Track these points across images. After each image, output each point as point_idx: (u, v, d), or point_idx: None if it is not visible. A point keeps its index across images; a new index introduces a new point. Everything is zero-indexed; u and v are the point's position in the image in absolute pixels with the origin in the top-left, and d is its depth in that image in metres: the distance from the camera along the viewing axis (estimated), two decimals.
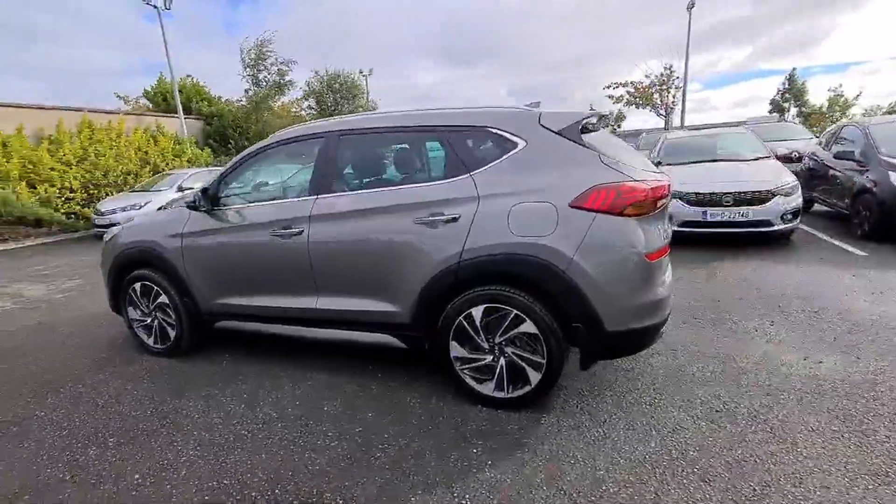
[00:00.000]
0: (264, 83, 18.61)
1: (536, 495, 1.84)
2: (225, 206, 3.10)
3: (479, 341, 2.41)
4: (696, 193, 5.80)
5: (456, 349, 2.48)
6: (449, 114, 2.61)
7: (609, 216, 2.16)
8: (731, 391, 2.52)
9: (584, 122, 2.41)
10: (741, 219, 5.60)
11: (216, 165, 15.34)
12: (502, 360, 2.40)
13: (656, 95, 24.50)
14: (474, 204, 2.35)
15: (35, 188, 11.19)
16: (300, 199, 2.84)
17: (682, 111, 22.31)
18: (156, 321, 3.42)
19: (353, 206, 2.66)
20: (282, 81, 18.58)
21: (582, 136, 2.35)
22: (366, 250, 2.61)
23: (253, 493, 1.96)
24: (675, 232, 5.86)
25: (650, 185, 2.23)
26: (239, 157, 3.15)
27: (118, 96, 21.12)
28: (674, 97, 24.19)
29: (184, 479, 2.08)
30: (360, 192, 2.77)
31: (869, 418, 2.20)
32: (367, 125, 2.79)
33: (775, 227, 5.56)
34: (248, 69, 18.19)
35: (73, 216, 11.62)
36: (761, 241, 5.77)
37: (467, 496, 1.87)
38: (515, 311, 2.29)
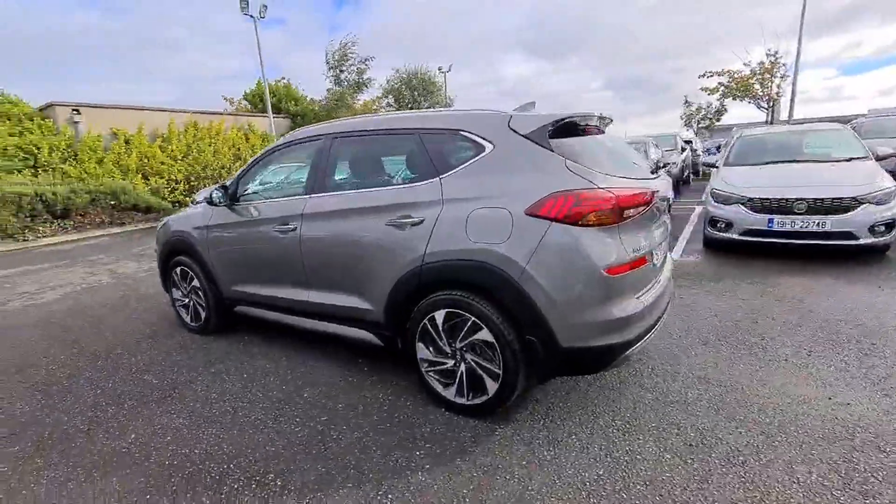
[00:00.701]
0: (345, 82, 19.74)
1: None
2: (241, 202, 3.40)
3: (442, 345, 2.42)
4: (760, 199, 5.15)
5: (422, 351, 2.51)
6: (428, 117, 2.63)
7: (564, 225, 2.04)
8: (720, 425, 2.25)
9: (563, 124, 2.29)
10: (816, 229, 4.86)
11: None
12: (462, 366, 2.38)
13: (757, 86, 21.78)
14: (438, 208, 2.35)
15: (148, 179, 13.04)
16: (297, 197, 3.04)
17: (791, 102, 19.53)
18: (191, 302, 3.87)
19: (337, 206, 2.79)
20: (360, 79, 19.57)
21: (556, 139, 2.23)
22: (346, 249, 2.73)
23: (210, 465, 2.17)
24: (734, 241, 5.30)
25: (616, 193, 2.06)
26: (255, 157, 3.44)
27: (224, 98, 23.78)
28: (779, 87, 21.35)
29: (166, 444, 2.37)
30: (344, 192, 2.89)
31: (877, 477, 1.85)
32: (357, 128, 2.90)
33: (861, 241, 4.75)
34: (331, 70, 19.42)
35: (176, 204, 13.34)
36: (843, 257, 4.97)
37: (391, 496, 1.90)
38: (473, 318, 2.26)
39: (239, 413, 2.62)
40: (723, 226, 5.49)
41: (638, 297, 2.19)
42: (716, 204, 5.64)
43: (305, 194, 2.98)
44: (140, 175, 12.92)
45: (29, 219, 10.21)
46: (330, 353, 3.31)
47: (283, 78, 21.30)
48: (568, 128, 2.33)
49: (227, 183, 3.46)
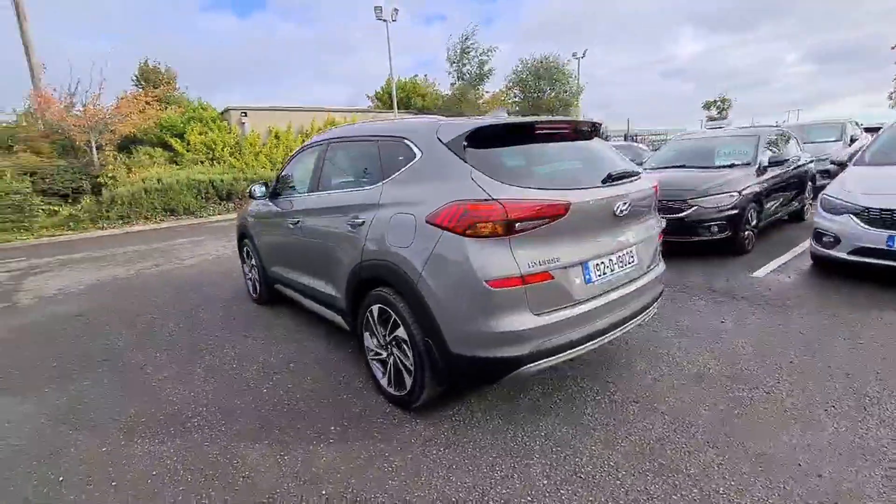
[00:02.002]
0: (467, 76, 20.28)
1: (313, 486, 2.06)
2: (277, 197, 4.02)
3: (380, 337, 2.63)
4: (880, 209, 4.05)
5: (367, 340, 2.75)
6: (388, 126, 2.81)
7: (454, 235, 2.06)
8: (636, 478, 2.03)
9: (490, 131, 2.28)
10: None
11: None
12: (391, 359, 2.56)
13: None
14: (375, 211, 2.55)
15: None
16: (304, 195, 3.50)
17: None
18: (251, 276, 4.71)
19: (322, 204, 3.17)
20: (481, 71, 19.87)
21: (473, 148, 2.24)
22: (325, 241, 3.09)
23: (187, 409, 2.75)
24: (841, 260, 4.28)
25: (506, 205, 2.00)
26: (289, 157, 4.03)
27: (367, 96, 26.51)
28: None
29: (177, 386, 3.05)
30: (327, 192, 3.24)
31: None
32: (344, 134, 3.22)
33: None
34: (453, 64, 20.14)
35: None
36: None
37: (287, 457, 2.21)
38: (394, 317, 2.42)
39: (237, 371, 3.21)
40: (829, 241, 4.45)
41: (539, 314, 2.09)
42: (823, 213, 4.59)
43: (307, 193, 3.43)
44: None
45: (204, 200, 13.06)
46: (325, 333, 3.74)
47: (416, 75, 22.86)
48: (494, 135, 2.31)
49: (268, 182, 4.12)
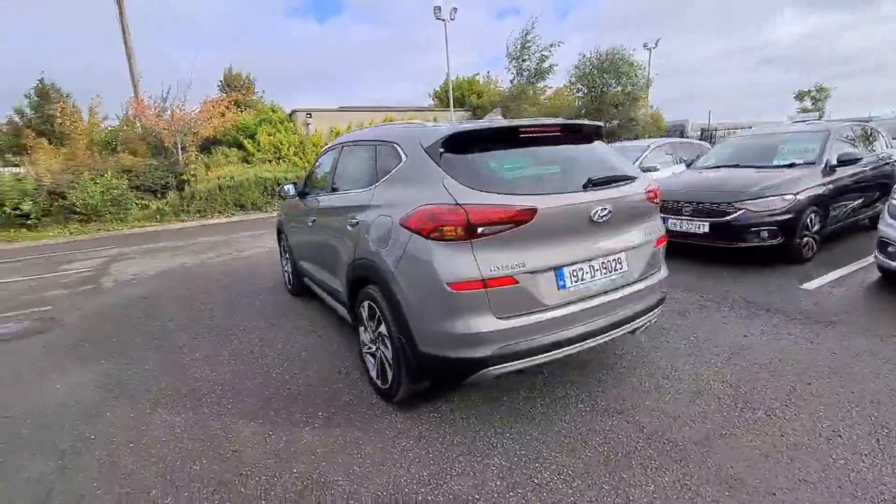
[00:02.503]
0: (527, 72, 19.95)
1: (287, 465, 2.24)
2: (304, 196, 4.32)
3: (370, 332, 2.78)
4: None
5: (362, 333, 2.91)
6: (384, 130, 2.94)
7: (419, 237, 2.14)
8: (590, 489, 2.00)
9: (467, 136, 2.34)
10: None
11: None
12: (378, 353, 2.70)
13: None
14: (367, 212, 2.69)
15: None
16: (320, 195, 3.74)
17: None
18: (286, 269, 5.09)
19: (331, 205, 3.38)
20: (539, 67, 19.44)
21: (449, 153, 2.31)
22: (332, 240, 3.29)
23: (205, 387, 3.09)
24: None
25: (468, 210, 2.04)
26: (316, 161, 4.30)
27: (429, 95, 26.99)
28: None
29: (203, 366, 3.42)
30: (336, 193, 3.44)
31: None
32: (354, 139, 3.40)
33: None
34: (512, 61, 19.89)
35: None
36: None
37: (273, 435, 2.43)
38: (378, 313, 2.56)
39: (256, 351, 3.54)
40: (893, 251, 3.95)
41: (502, 318, 2.11)
42: (889, 220, 4.09)
43: (324, 193, 3.66)
44: None
45: (269, 196, 14.10)
46: (340, 326, 3.95)
47: (478, 73, 22.89)
48: (471, 140, 2.35)
49: (296, 182, 4.44)
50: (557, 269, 2.24)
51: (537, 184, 2.39)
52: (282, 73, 75.76)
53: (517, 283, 2.11)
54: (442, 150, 2.30)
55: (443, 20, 18.13)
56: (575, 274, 2.29)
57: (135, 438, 2.50)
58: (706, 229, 5.16)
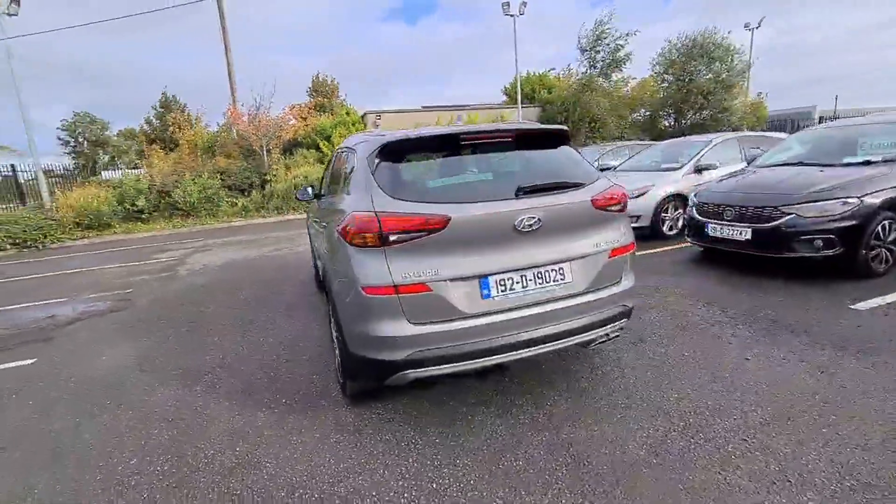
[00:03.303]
0: (601, 63, 18.93)
1: (235, 442, 2.49)
2: (320, 199, 4.63)
3: (332, 331, 2.96)
4: None
5: (334, 332, 3.11)
6: (356, 138, 3.08)
7: (346, 243, 2.26)
8: (483, 499, 1.99)
9: (400, 145, 2.42)
10: None
11: None
12: (336, 350, 2.87)
13: None
14: (332, 216, 2.87)
15: None
16: (329, 198, 4.01)
17: None
18: (314, 266, 5.50)
19: (320, 208, 3.62)
20: (613, 58, 18.33)
21: (385, 161, 2.40)
22: (321, 242, 3.53)
23: (208, 367, 3.50)
24: None
25: (381, 217, 2.12)
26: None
27: (502, 91, 26.79)
28: None
29: (217, 349, 3.87)
30: (324, 197, 3.65)
31: None
32: (343, 145, 3.59)
33: None
34: (584, 52, 18.98)
35: None
36: None
37: (232, 413, 2.73)
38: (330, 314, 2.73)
39: (263, 343, 3.91)
40: None
41: (417, 323, 2.15)
42: None
43: (331, 196, 3.92)
44: None
45: None
46: None
47: (553, 68, 22.23)
48: (404, 149, 2.42)
49: (314, 184, 4.77)
50: (481, 278, 2.23)
51: (461, 192, 2.38)
52: (373, 75, 79.65)
53: (431, 290, 2.15)
54: (377, 159, 2.40)
55: (512, 16, 17.88)
56: (502, 283, 2.26)
57: (138, 408, 2.95)
58: (748, 236, 4.62)
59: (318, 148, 17.61)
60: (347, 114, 18.44)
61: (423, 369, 2.21)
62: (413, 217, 2.14)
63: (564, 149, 2.74)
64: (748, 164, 6.16)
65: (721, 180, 5.60)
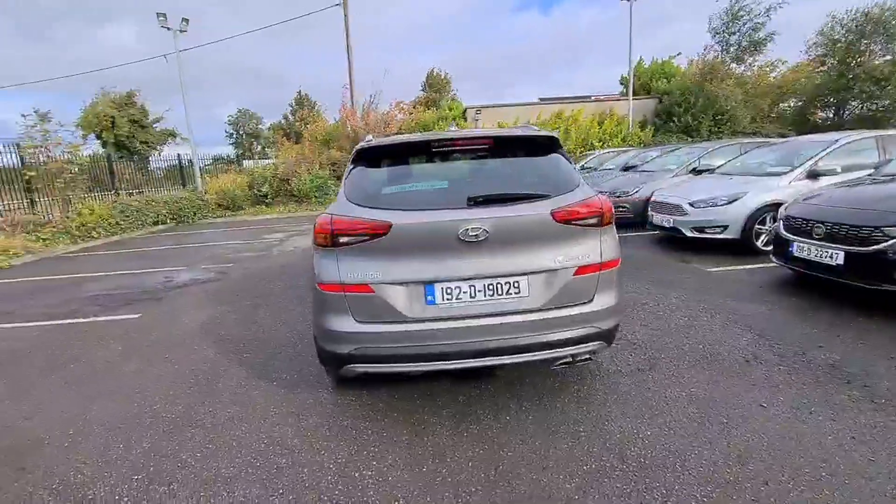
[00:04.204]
0: (735, 46, 16.52)
1: (214, 407, 2.88)
2: None
3: None
4: None
5: None
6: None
7: (313, 241, 2.46)
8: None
9: (374, 150, 2.55)
10: None
11: (657, 143, 16.02)
12: None
13: None
14: None
15: None
16: None
17: None
18: None
19: None
20: (753, 38, 15.82)
21: (359, 165, 2.57)
22: None
23: (233, 339, 4.05)
24: None
25: (334, 221, 2.27)
26: None
27: (619, 82, 25.00)
28: None
29: (250, 325, 4.45)
30: None
31: None
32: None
33: None
34: (715, 36, 16.72)
35: None
36: None
37: (229, 381, 3.16)
38: None
39: (286, 324, 4.39)
40: None
41: (361, 321, 2.28)
42: None
43: None
44: None
45: None
46: None
47: (679, 53, 20.04)
48: (376, 155, 2.53)
49: None
50: (426, 285, 2.27)
51: (412, 199, 2.42)
52: (498, 67, 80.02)
53: (373, 291, 2.26)
54: (353, 164, 2.56)
55: (627, 0, 16.52)
56: (448, 291, 2.27)
57: (178, 362, 3.57)
58: (839, 260, 3.82)
59: None
60: (450, 109, 18.93)
61: (366, 365, 2.34)
62: (358, 222, 2.27)
63: (553, 157, 2.60)
64: (874, 170, 5.00)
65: (818, 192, 4.65)
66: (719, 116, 16.64)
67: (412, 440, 2.41)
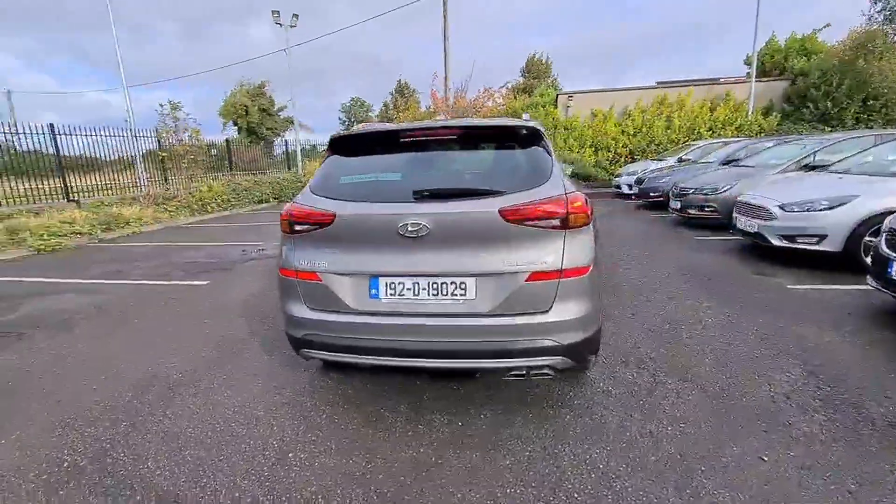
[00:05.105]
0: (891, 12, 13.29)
1: (200, 381, 3.15)
2: None
3: None
4: None
5: None
6: None
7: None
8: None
9: (343, 139, 2.57)
10: None
11: (782, 133, 13.82)
12: None
13: None
14: None
15: (598, 152, 15.46)
16: None
17: None
18: None
19: None
20: None
21: (333, 154, 2.59)
22: None
23: (260, 318, 4.39)
24: None
25: (290, 209, 2.34)
26: None
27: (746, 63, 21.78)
28: None
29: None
30: None
31: None
32: None
33: None
34: (877, 3, 13.59)
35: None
36: None
37: (227, 361, 3.44)
38: None
39: None
40: None
41: (311, 308, 2.32)
42: None
43: None
44: (592, 148, 15.54)
45: None
46: None
47: (828, 24, 16.78)
48: (346, 145, 2.53)
49: None
50: (371, 277, 2.23)
51: (363, 190, 2.37)
52: (613, 50, 75.12)
53: (320, 280, 2.28)
54: (328, 153, 2.60)
55: None
56: (391, 286, 2.21)
57: (210, 328, 4.01)
58: None
59: None
60: (541, 95, 18.19)
61: (317, 352, 2.40)
62: (309, 210, 2.31)
63: (531, 150, 2.38)
64: None
65: None
66: (871, 102, 13.58)
67: (358, 431, 2.42)
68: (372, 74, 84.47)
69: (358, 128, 2.72)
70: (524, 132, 2.37)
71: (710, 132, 14.86)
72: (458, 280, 2.16)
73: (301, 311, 2.39)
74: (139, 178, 13.14)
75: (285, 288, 2.45)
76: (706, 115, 15.19)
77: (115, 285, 5.66)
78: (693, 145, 12.62)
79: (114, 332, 4.01)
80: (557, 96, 17.49)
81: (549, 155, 2.38)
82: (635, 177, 11.80)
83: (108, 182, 12.17)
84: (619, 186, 13.13)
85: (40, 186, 10.54)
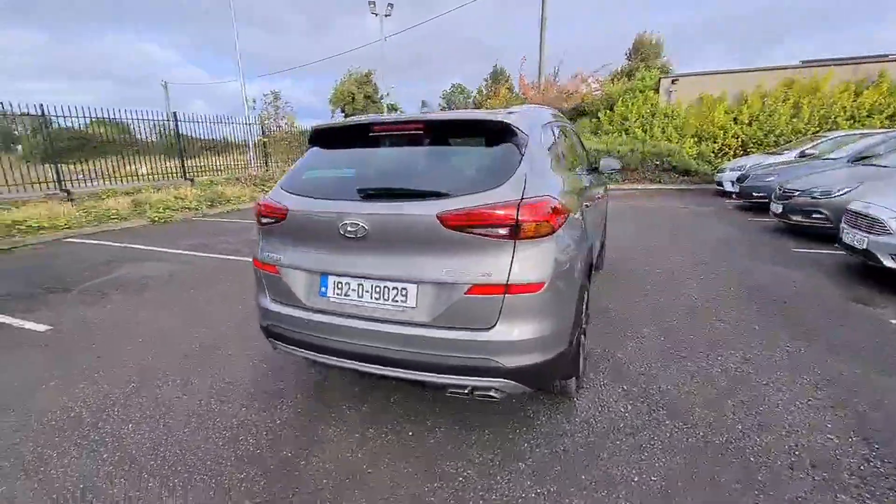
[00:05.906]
0: None
1: (195, 360, 3.39)
2: None
3: None
4: None
5: None
6: None
7: None
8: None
9: (323, 132, 2.56)
10: None
11: None
12: None
13: None
14: None
15: (701, 143, 13.70)
16: None
17: None
18: None
19: None
20: None
21: (314, 146, 2.60)
22: None
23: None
24: None
25: (260, 202, 2.40)
26: None
27: None
28: None
29: None
30: None
31: None
32: None
33: None
34: None
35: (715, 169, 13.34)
36: None
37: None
38: None
39: None
40: None
41: (273, 300, 2.37)
42: None
43: None
44: (695, 138, 13.78)
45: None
46: None
47: None
48: (323, 137, 2.52)
49: None
50: (322, 275, 2.21)
51: (320, 186, 2.33)
52: (754, 25, 66.20)
53: (278, 273, 2.32)
54: (309, 145, 2.62)
55: None
56: (339, 286, 2.17)
57: (246, 304, 4.36)
58: None
59: (598, 117, 16.79)
60: (641, 79, 16.56)
61: (279, 343, 2.45)
62: (272, 205, 2.34)
63: (500, 147, 2.14)
64: None
65: None
66: None
67: (307, 426, 2.45)
68: (476, 60, 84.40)
69: (336, 121, 2.70)
70: (492, 126, 2.14)
71: (851, 122, 12.29)
72: (399, 286, 2.05)
73: (265, 301, 2.46)
74: (249, 161, 14.74)
75: (256, 278, 2.54)
76: (848, 101, 12.55)
77: (195, 257, 6.42)
78: (823, 137, 10.57)
79: (175, 300, 4.54)
80: (660, 80, 15.76)
81: (521, 153, 2.11)
82: (739, 173, 10.27)
83: (221, 164, 13.86)
84: (720, 183, 11.55)
85: (163, 165, 12.38)
